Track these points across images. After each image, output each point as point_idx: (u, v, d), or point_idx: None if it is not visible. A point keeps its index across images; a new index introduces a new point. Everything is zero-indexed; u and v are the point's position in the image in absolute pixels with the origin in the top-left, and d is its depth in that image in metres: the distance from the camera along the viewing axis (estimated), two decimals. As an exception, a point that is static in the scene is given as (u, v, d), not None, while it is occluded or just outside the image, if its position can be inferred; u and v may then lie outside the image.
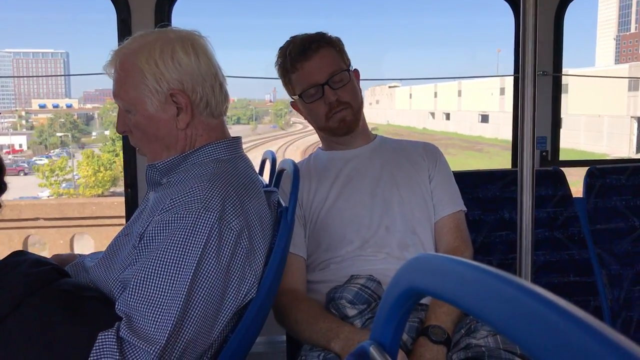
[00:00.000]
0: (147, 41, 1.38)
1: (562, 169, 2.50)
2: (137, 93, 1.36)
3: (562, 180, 2.44)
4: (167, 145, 1.41)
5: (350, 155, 1.88)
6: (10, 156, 55.22)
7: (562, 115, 2.80)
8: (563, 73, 2.81)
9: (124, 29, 2.46)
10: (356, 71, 1.89)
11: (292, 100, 1.89)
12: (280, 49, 1.84)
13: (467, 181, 2.37)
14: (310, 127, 1.95)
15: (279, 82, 1.87)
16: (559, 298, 0.32)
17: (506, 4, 2.76)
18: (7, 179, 1.57)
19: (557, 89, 2.81)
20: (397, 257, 1.71)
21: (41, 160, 47.76)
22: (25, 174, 45.07)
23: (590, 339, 0.29)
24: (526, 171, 1.57)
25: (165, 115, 1.37)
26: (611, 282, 2.33)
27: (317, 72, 1.77)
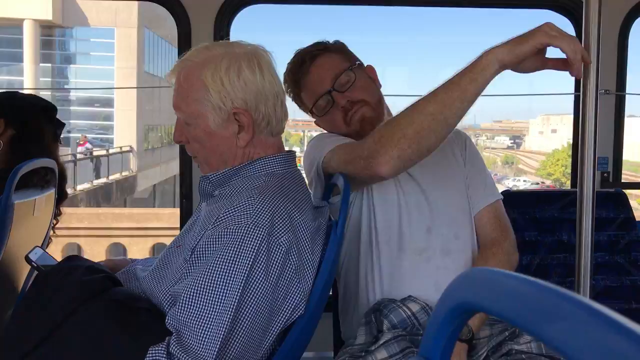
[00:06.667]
0: (212, 55, 1.36)
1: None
2: (199, 108, 1.35)
3: (625, 202, 2.34)
4: (225, 161, 1.41)
5: None
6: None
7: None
8: (627, 92, 2.71)
9: (185, 43, 2.53)
10: (370, 67, 1.80)
11: (315, 119, 1.82)
12: (284, 74, 1.77)
13: (524, 201, 2.30)
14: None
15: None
16: (626, 318, 0.30)
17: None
18: None
19: (620, 108, 2.71)
20: (437, 265, 1.61)
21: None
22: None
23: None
24: (586, 192, 1.51)
25: (226, 133, 1.37)
26: (677, 312, 2.22)
27: (319, 82, 1.69)
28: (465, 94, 1.30)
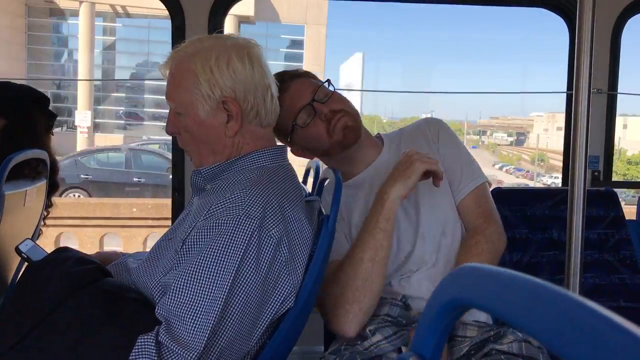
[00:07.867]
0: (203, 46, 1.39)
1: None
2: (190, 97, 1.37)
3: (614, 201, 2.36)
4: (214, 151, 1.42)
5: (368, 175, 1.75)
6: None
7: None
8: (619, 92, 2.72)
9: (178, 36, 2.51)
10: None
11: (293, 147, 1.78)
12: None
13: (515, 198, 2.31)
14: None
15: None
16: (617, 315, 0.30)
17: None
18: None
19: (612, 108, 2.72)
20: (432, 264, 1.63)
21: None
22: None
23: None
24: (577, 191, 1.52)
25: (215, 122, 1.38)
26: (665, 310, 2.23)
27: (300, 96, 1.69)
28: (387, 232, 1.51)
